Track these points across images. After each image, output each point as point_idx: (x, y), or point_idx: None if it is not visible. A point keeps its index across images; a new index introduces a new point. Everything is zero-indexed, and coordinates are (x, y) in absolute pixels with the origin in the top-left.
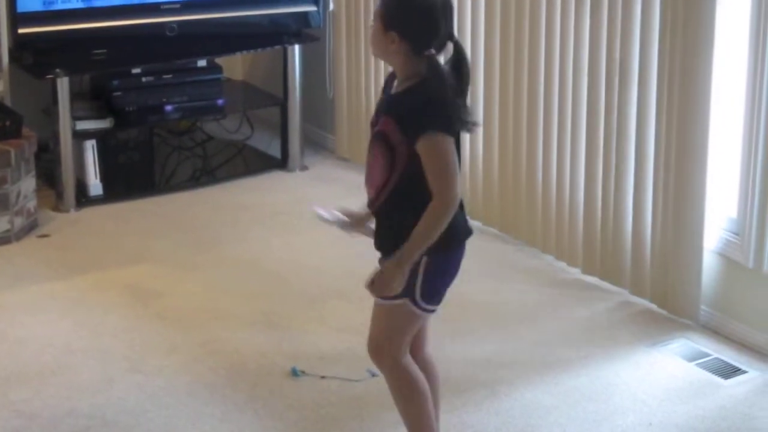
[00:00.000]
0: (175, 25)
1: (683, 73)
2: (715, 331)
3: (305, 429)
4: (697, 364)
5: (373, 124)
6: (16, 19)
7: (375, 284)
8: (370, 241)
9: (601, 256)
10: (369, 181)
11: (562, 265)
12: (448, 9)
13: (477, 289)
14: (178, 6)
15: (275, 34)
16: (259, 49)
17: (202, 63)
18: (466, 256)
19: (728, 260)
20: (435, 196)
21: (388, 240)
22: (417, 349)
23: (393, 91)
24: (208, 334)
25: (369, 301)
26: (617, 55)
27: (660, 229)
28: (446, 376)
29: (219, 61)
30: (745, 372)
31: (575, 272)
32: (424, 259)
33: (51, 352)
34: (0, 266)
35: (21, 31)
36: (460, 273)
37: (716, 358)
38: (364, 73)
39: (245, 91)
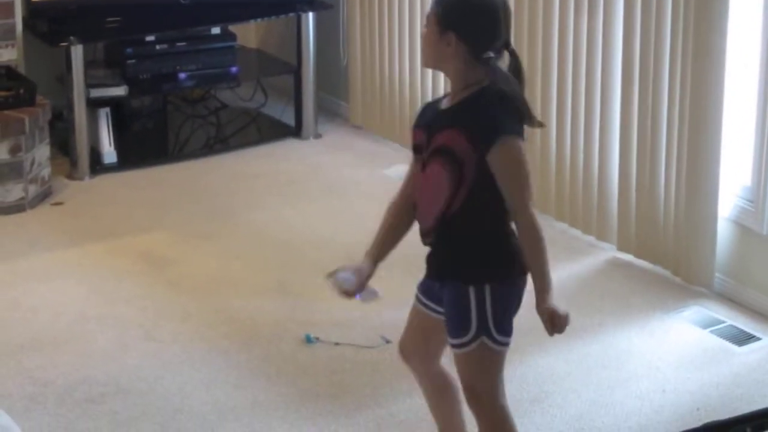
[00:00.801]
0: None
1: (697, 44)
2: (729, 299)
3: (319, 395)
4: (711, 331)
5: (421, 144)
6: None
7: (557, 330)
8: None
9: (615, 224)
10: (428, 203)
11: (576, 233)
12: (507, 13)
13: None
14: None
15: (289, 2)
16: (273, 17)
17: (215, 31)
18: None
19: (742, 227)
20: (519, 212)
21: (451, 264)
22: (431, 360)
23: (449, 103)
24: (222, 302)
25: (383, 268)
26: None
27: (674, 197)
28: None
29: (233, 28)
30: (759, 339)
31: (589, 239)
32: (488, 288)
33: (65, 320)
34: (14, 234)
35: None
36: None
37: (730, 325)
38: (378, 41)
39: (259, 58)
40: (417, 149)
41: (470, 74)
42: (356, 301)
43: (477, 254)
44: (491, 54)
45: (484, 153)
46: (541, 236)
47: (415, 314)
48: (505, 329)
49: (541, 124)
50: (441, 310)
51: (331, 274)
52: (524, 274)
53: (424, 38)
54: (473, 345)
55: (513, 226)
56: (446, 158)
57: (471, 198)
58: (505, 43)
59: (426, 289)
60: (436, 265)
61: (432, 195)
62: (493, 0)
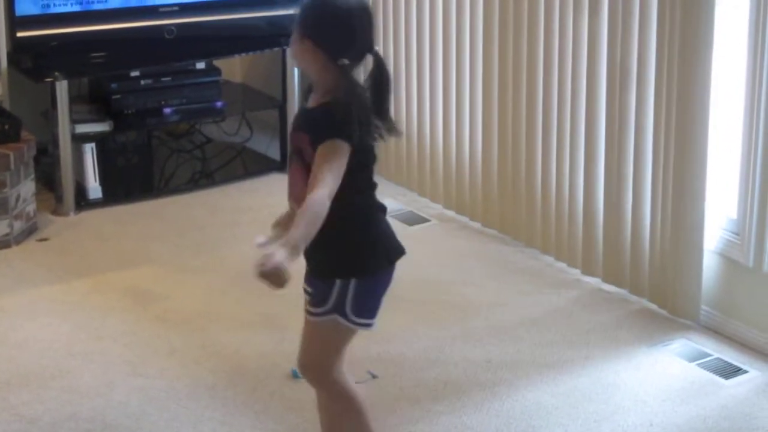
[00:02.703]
0: (173, 28)
1: (682, 73)
2: (715, 331)
3: (306, 431)
4: (698, 364)
5: (291, 138)
6: (15, 22)
7: (261, 270)
8: None
9: (601, 257)
10: (294, 197)
11: (562, 265)
12: (366, 19)
13: (477, 290)
14: (176, 8)
15: (274, 36)
16: (258, 51)
17: (200, 65)
18: (467, 256)
19: (728, 260)
20: (312, 188)
21: (320, 258)
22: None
23: (309, 105)
24: (208, 337)
25: None
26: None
27: (660, 229)
28: (446, 377)
29: (217, 63)
30: (746, 372)
31: (575, 273)
32: (353, 282)
33: (51, 356)
34: None
35: (19, 34)
36: (462, 274)
37: (717, 358)
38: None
39: (244, 93)
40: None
41: (329, 79)
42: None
43: (341, 250)
44: (346, 61)
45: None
46: (316, 214)
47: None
48: (364, 314)
49: (392, 132)
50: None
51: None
52: (390, 265)
53: (291, 44)
54: (326, 318)
55: (377, 218)
56: (299, 159)
57: None
58: (368, 47)
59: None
60: (308, 259)
61: (295, 187)
62: (349, 7)
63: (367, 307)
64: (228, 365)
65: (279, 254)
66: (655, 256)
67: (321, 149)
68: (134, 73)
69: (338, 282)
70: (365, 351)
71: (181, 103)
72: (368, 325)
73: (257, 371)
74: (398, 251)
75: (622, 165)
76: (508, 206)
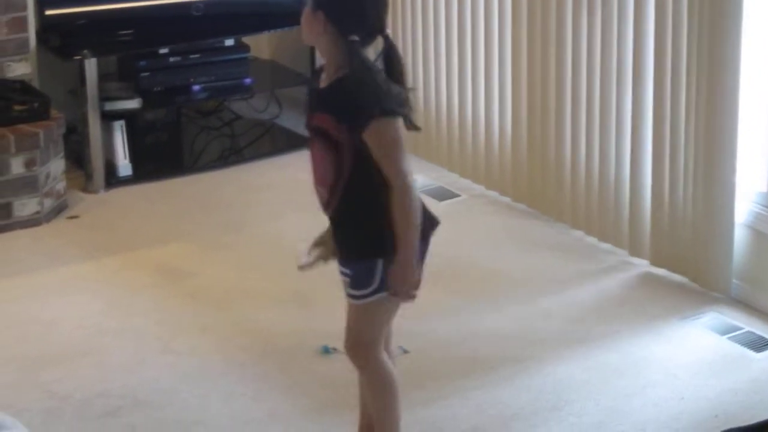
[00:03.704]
0: (201, 5)
1: (712, 46)
2: (746, 304)
3: (337, 406)
4: (729, 338)
5: (307, 120)
6: (43, 1)
7: (407, 288)
8: None
9: (631, 231)
10: (320, 181)
11: (592, 240)
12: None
13: (507, 266)
14: None
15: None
16: (286, 28)
17: (229, 42)
18: (497, 231)
19: (758, 233)
20: (393, 181)
21: (353, 239)
22: (386, 345)
23: (322, 84)
24: (239, 314)
25: None
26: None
27: (691, 202)
28: (476, 352)
29: (246, 40)
30: None
31: (605, 247)
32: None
33: (82, 333)
34: (30, 248)
35: (48, 12)
36: (491, 248)
37: (748, 332)
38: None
39: (273, 70)
40: (307, 125)
41: (339, 54)
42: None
43: (380, 228)
44: (356, 38)
45: (357, 136)
46: (411, 203)
47: None
48: None
49: (398, 114)
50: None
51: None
52: (428, 237)
53: (303, 17)
54: (373, 298)
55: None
56: (323, 140)
57: (357, 175)
58: (379, 28)
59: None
60: (341, 240)
61: (320, 171)
62: None
63: None
64: (259, 342)
65: (408, 271)
66: (685, 229)
67: (372, 134)
68: (163, 51)
69: (380, 260)
70: (396, 326)
71: (209, 81)
72: (413, 296)
73: (288, 348)
74: (433, 222)
75: (652, 141)
76: (538, 181)
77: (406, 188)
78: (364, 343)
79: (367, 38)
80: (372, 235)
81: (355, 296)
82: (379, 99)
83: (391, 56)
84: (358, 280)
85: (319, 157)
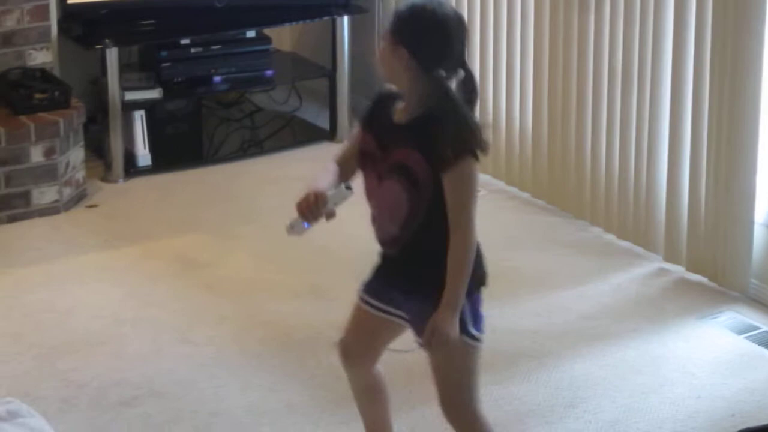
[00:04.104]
0: None
1: (735, 45)
2: (764, 304)
3: (353, 399)
4: (747, 337)
5: (371, 153)
6: None
7: (434, 342)
8: None
9: (651, 230)
10: (390, 217)
11: (611, 237)
12: (462, 30)
13: (525, 262)
14: None
15: (324, 5)
16: (308, 20)
17: (250, 34)
18: (516, 228)
19: None
20: (457, 228)
21: (422, 278)
22: (373, 360)
23: (403, 118)
24: (257, 305)
25: None
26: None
27: (711, 202)
28: (493, 348)
29: (268, 32)
30: None
31: (625, 245)
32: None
33: (100, 322)
34: (49, 236)
35: (70, 1)
36: (511, 244)
37: (765, 331)
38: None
39: (294, 62)
40: (366, 155)
41: (423, 90)
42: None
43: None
44: (442, 72)
45: (440, 173)
46: (469, 256)
47: (360, 315)
48: (480, 323)
49: (484, 149)
50: (390, 310)
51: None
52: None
53: (380, 52)
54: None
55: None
56: (403, 176)
57: (433, 213)
58: (461, 60)
59: (372, 289)
60: (404, 277)
61: (391, 210)
62: (446, 16)
63: (479, 316)
64: (276, 333)
65: (444, 324)
66: (705, 228)
67: (452, 177)
68: (184, 41)
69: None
70: None
71: (230, 72)
72: (480, 339)
73: (305, 340)
74: (486, 275)
75: (674, 138)
76: (558, 177)
77: (469, 237)
78: (459, 399)
79: (451, 72)
80: (442, 281)
81: (422, 344)
82: (468, 139)
83: (469, 89)
84: (420, 327)
85: (391, 193)
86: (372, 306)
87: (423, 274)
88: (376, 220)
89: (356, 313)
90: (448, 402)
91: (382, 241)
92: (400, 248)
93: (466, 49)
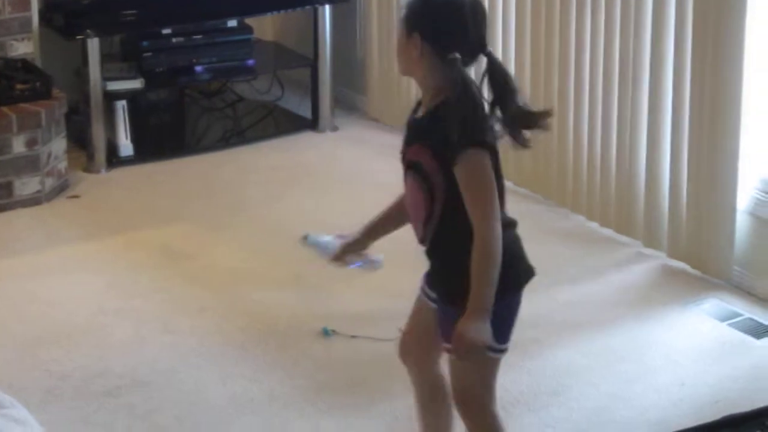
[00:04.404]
0: None
1: (716, 31)
2: (747, 291)
3: (336, 388)
4: (729, 324)
5: (403, 153)
6: None
7: (458, 351)
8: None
9: (633, 217)
10: (413, 216)
11: (594, 225)
12: (478, 13)
13: None
14: None
15: None
16: (290, 10)
17: (232, 23)
18: None
19: (760, 220)
20: (475, 226)
21: (443, 282)
22: (433, 358)
23: (420, 113)
24: (239, 295)
25: (400, 261)
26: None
27: (693, 189)
28: None
29: (249, 21)
30: None
31: (607, 233)
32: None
33: (82, 313)
34: (31, 227)
35: None
36: None
37: (748, 318)
38: (395, 34)
39: (276, 51)
40: (401, 156)
41: (438, 80)
42: (376, 296)
43: (468, 277)
44: (457, 55)
45: (449, 168)
46: (490, 253)
47: (419, 308)
48: (504, 337)
49: (491, 144)
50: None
51: (305, 238)
52: (521, 288)
53: (397, 44)
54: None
55: (509, 237)
56: (417, 173)
57: (450, 211)
58: (480, 44)
59: (427, 280)
60: (433, 277)
61: (413, 207)
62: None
63: (507, 324)
64: (258, 323)
65: (467, 330)
66: (688, 215)
67: (461, 170)
68: (166, 31)
69: None
70: (396, 308)
71: (212, 62)
72: (505, 350)
73: (287, 330)
74: (529, 274)
75: (656, 126)
76: (541, 165)
77: (488, 235)
78: (476, 399)
79: (469, 59)
80: (462, 282)
81: (450, 350)
82: (470, 127)
83: (497, 75)
84: (446, 330)
85: (411, 191)
86: (427, 296)
87: (444, 275)
88: (411, 221)
89: (416, 307)
90: (462, 399)
91: (418, 240)
92: (427, 247)
93: (486, 33)
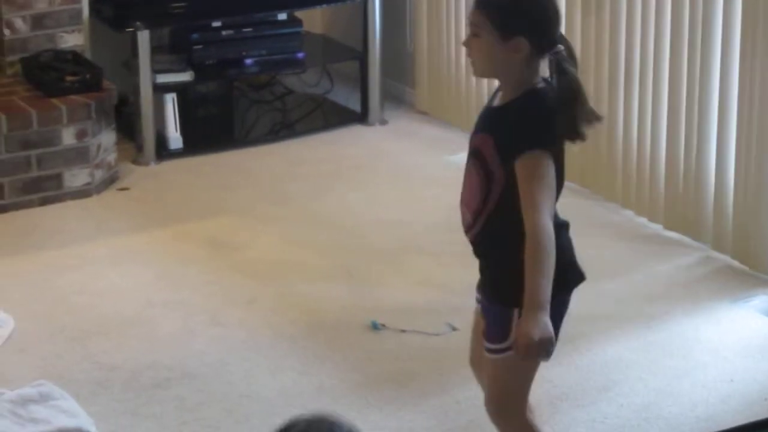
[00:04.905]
0: None
1: (766, 27)
2: None
3: (385, 382)
4: None
5: (472, 139)
6: None
7: (520, 350)
8: (452, 195)
9: (682, 212)
10: (465, 201)
11: (643, 220)
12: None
13: None
14: None
15: None
16: (339, 2)
17: (282, 16)
18: None
19: None
20: (528, 220)
21: (490, 278)
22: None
23: (497, 102)
24: (287, 287)
25: (448, 255)
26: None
27: (742, 184)
28: None
29: (299, 14)
30: None
31: (656, 228)
32: None
33: (131, 305)
34: (81, 219)
35: None
36: None
37: None
38: (445, 27)
39: (325, 44)
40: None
41: (528, 76)
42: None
43: (519, 275)
44: (561, 47)
45: (510, 163)
46: (545, 248)
47: (478, 321)
48: None
49: (582, 137)
50: None
51: None
52: (570, 291)
53: (478, 49)
54: (505, 354)
55: (561, 240)
56: (478, 162)
57: (504, 207)
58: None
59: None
60: (480, 277)
61: (467, 195)
62: None
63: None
64: (307, 316)
65: (526, 328)
66: (737, 211)
67: (522, 166)
68: (215, 24)
69: (516, 311)
70: (445, 302)
71: (261, 54)
72: (534, 357)
73: (336, 322)
74: (578, 277)
75: (705, 119)
76: (589, 160)
77: (541, 232)
78: (505, 405)
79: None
80: (510, 279)
81: (490, 350)
82: (542, 129)
83: (571, 57)
84: (492, 330)
85: (469, 178)
86: (478, 302)
87: (491, 274)
88: (461, 206)
89: (474, 317)
90: (503, 404)
91: (464, 227)
92: (472, 238)
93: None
